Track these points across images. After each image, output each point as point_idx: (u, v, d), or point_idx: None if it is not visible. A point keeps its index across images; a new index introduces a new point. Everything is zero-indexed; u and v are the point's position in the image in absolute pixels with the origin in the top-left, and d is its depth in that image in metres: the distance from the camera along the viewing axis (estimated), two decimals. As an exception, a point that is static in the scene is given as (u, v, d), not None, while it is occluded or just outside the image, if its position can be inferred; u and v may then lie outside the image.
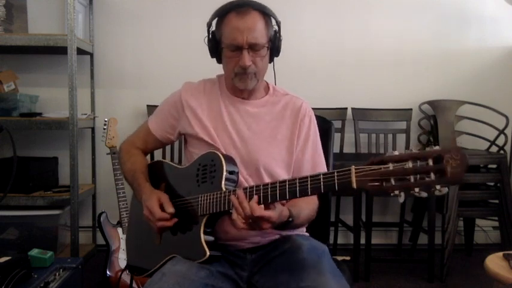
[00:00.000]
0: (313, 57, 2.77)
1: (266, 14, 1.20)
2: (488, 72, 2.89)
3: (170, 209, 1.14)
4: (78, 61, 2.38)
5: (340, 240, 2.83)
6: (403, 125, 2.77)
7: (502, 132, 2.69)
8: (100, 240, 2.53)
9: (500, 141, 2.71)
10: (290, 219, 1.08)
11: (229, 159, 1.17)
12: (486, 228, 2.92)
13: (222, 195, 1.10)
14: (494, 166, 2.57)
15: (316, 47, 2.78)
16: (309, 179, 0.98)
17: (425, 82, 2.87)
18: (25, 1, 2.51)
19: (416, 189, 0.82)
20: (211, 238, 1.13)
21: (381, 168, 0.86)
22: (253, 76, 1.20)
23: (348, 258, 2.24)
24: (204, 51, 1.26)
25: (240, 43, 1.16)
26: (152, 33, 2.76)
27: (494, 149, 2.74)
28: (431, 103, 2.81)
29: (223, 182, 1.13)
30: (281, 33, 1.25)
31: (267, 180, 1.20)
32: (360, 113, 2.76)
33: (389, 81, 2.86)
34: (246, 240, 1.20)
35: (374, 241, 2.55)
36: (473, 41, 2.88)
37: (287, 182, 1.01)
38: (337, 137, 2.70)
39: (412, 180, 0.83)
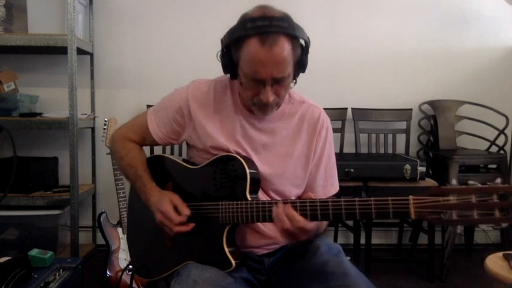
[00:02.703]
0: (313, 57, 2.72)
1: (295, 36, 1.03)
2: (488, 72, 2.89)
3: (186, 211, 1.08)
4: (78, 61, 2.37)
5: (340, 240, 2.83)
6: (403, 125, 2.77)
7: (502, 132, 2.69)
8: (100, 240, 2.53)
9: (500, 141, 2.71)
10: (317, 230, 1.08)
11: (250, 162, 1.11)
12: (486, 228, 2.92)
13: (249, 206, 1.04)
14: (494, 166, 2.57)
15: (316, 47, 2.75)
16: (356, 202, 0.93)
17: (425, 82, 2.87)
18: (25, 1, 2.51)
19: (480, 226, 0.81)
20: (233, 247, 1.09)
21: (440, 200, 0.84)
22: (275, 106, 1.10)
23: (348, 258, 2.24)
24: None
25: (264, 78, 1.02)
26: (152, 33, 2.76)
27: (494, 149, 2.74)
28: (431, 103, 2.81)
29: (248, 192, 1.06)
30: (309, 50, 1.10)
31: (275, 197, 1.17)
32: (360, 113, 2.76)
33: (389, 81, 2.86)
34: (262, 247, 1.17)
35: (374, 241, 2.56)
36: (473, 41, 2.88)
37: (330, 203, 0.96)
38: (337, 137, 2.70)
39: (475, 216, 0.81)
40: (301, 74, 1.14)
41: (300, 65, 1.10)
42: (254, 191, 1.10)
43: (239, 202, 1.06)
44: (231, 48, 1.07)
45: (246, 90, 1.08)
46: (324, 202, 0.97)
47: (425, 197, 0.86)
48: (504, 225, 0.79)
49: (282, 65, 1.01)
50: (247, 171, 1.07)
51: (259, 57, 1.00)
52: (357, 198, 0.94)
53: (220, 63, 1.14)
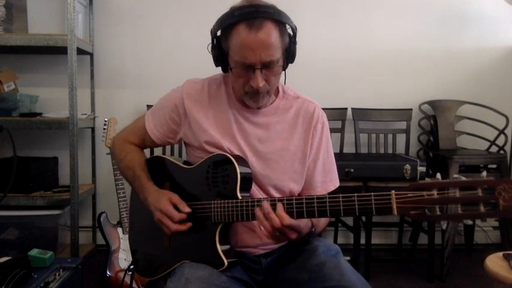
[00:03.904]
0: (313, 56, 2.77)
1: (280, 21, 1.05)
2: (488, 72, 2.89)
3: (186, 208, 1.09)
4: (78, 61, 2.37)
5: (340, 240, 2.83)
6: (403, 125, 2.77)
7: (502, 132, 2.69)
8: (100, 240, 2.53)
9: (500, 141, 2.71)
10: (313, 229, 1.08)
11: (242, 161, 1.12)
12: (486, 228, 2.92)
13: (239, 204, 1.05)
14: (494, 166, 2.57)
15: (316, 46, 2.78)
16: (340, 199, 0.93)
17: (425, 82, 2.87)
18: (25, 1, 2.51)
19: (465, 221, 0.78)
20: (226, 246, 1.10)
21: (423, 195, 0.81)
22: (266, 94, 1.11)
23: (348, 258, 2.24)
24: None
25: (253, 62, 1.03)
26: (152, 33, 2.76)
27: (494, 149, 2.74)
28: (431, 103, 2.81)
29: (238, 191, 1.07)
30: (296, 39, 1.12)
31: (274, 193, 1.17)
32: (360, 113, 2.76)
33: (389, 81, 2.86)
34: (259, 247, 1.18)
35: (374, 241, 2.56)
36: (473, 41, 2.88)
37: (315, 200, 0.96)
38: (337, 137, 2.70)
39: (460, 210, 0.78)
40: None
41: (289, 54, 1.11)
42: (245, 189, 1.10)
43: (230, 201, 1.07)
44: (221, 39, 1.10)
45: (237, 79, 1.10)
46: (310, 199, 0.97)
47: (408, 192, 0.83)
48: (489, 220, 0.78)
49: (269, 49, 1.03)
50: (238, 169, 1.08)
51: (247, 42, 1.02)
52: (341, 195, 0.94)
53: (215, 64, 1.16)
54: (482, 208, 0.77)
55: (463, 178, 0.80)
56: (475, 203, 0.77)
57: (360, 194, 0.91)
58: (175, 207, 1.10)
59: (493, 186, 0.76)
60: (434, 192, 0.80)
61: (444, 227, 0.82)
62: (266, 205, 0.98)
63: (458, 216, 0.79)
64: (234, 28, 1.04)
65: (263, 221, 0.98)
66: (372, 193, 0.89)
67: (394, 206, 0.85)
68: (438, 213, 0.80)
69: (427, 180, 0.83)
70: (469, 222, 0.79)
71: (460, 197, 0.78)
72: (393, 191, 0.85)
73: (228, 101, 1.19)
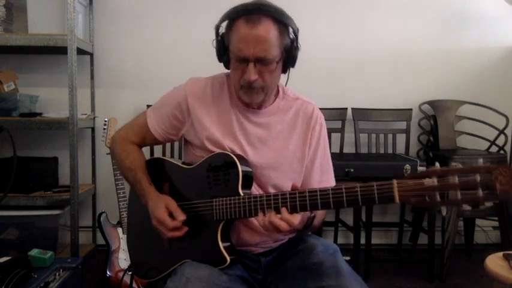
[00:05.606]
0: (313, 57, 2.76)
1: (281, 21, 1.07)
2: (488, 72, 2.89)
3: (181, 216, 1.10)
4: (78, 61, 2.37)
5: (340, 240, 2.84)
6: (403, 125, 2.77)
7: (502, 132, 2.69)
8: (100, 240, 2.53)
9: (500, 141, 2.71)
10: (312, 214, 1.08)
11: (243, 160, 1.13)
12: (486, 228, 2.92)
13: (241, 201, 1.06)
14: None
15: (316, 46, 2.78)
16: (343, 189, 0.94)
17: (425, 82, 2.87)
18: (25, 1, 2.51)
19: (464, 206, 0.81)
20: (228, 243, 1.11)
21: (423, 183, 0.84)
22: (260, 90, 1.11)
23: (348, 258, 2.24)
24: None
25: (246, 56, 1.05)
26: (152, 33, 2.76)
27: (494, 149, 2.74)
28: (431, 103, 2.81)
29: (240, 188, 1.08)
30: (298, 42, 1.13)
31: (272, 191, 1.17)
32: (360, 113, 2.76)
33: (389, 81, 2.86)
34: (258, 245, 1.19)
35: (374, 241, 2.56)
36: (473, 41, 2.88)
37: (318, 193, 0.97)
38: (337, 137, 2.70)
39: (459, 196, 0.81)
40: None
41: (289, 55, 1.12)
42: (246, 186, 1.11)
43: (232, 198, 1.08)
44: (224, 34, 1.13)
45: (234, 72, 1.12)
46: (313, 192, 0.98)
47: (409, 180, 0.86)
48: (488, 204, 0.80)
49: (264, 44, 1.05)
50: (239, 167, 1.09)
51: (243, 35, 1.05)
52: (343, 186, 0.95)
53: (218, 59, 1.18)
54: (480, 192, 0.80)
55: (461, 166, 0.83)
56: (473, 188, 0.80)
57: (362, 184, 0.93)
58: (171, 215, 1.11)
59: (489, 171, 0.79)
60: (434, 179, 0.83)
61: (444, 213, 0.85)
62: (273, 217, 1.00)
63: (458, 201, 0.81)
64: (234, 23, 1.07)
65: (264, 222, 1.01)
66: (374, 182, 0.91)
67: (396, 194, 0.87)
68: (438, 199, 0.82)
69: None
70: (468, 207, 0.82)
71: (459, 183, 0.81)
72: (395, 180, 0.88)
73: (230, 101, 1.20)
